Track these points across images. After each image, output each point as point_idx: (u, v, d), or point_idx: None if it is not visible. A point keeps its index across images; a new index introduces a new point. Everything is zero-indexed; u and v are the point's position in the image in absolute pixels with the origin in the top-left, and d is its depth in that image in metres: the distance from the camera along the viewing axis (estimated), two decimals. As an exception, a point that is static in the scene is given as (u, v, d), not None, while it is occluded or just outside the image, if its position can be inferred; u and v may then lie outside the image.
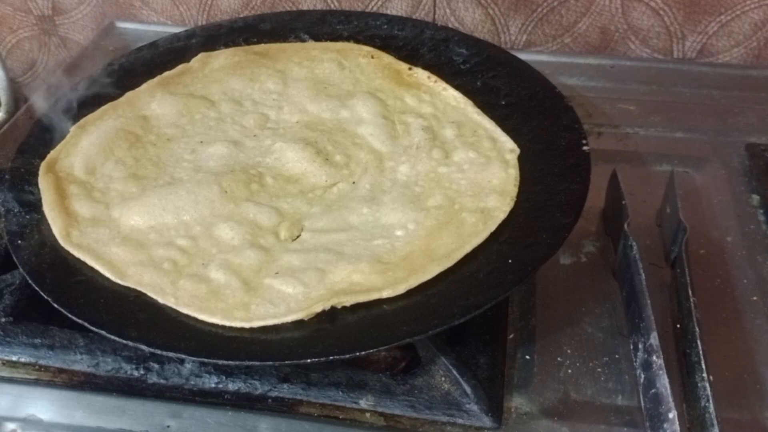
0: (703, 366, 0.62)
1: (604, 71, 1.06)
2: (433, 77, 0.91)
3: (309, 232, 0.73)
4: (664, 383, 0.59)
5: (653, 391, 0.60)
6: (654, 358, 0.61)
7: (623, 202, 0.75)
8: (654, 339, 0.62)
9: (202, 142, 0.83)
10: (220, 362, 0.62)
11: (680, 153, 0.92)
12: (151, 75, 0.93)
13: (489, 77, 0.91)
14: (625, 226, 0.72)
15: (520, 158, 0.79)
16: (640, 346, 0.64)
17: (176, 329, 0.64)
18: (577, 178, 0.73)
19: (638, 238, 0.71)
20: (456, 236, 0.70)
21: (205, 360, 0.62)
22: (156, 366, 0.67)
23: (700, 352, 0.63)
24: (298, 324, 0.64)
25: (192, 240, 0.72)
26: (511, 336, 0.71)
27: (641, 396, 0.63)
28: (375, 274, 0.66)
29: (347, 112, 0.87)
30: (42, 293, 0.66)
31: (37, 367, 0.69)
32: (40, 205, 0.76)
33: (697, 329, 0.65)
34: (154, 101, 0.88)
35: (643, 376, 0.63)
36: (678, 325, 0.69)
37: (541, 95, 0.86)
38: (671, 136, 0.95)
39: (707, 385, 0.61)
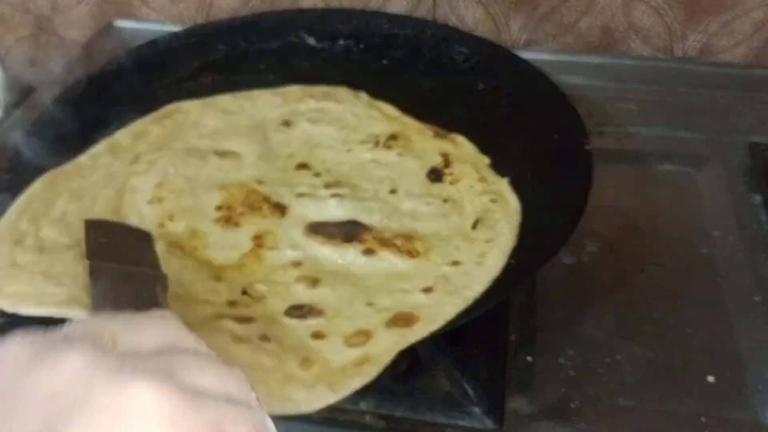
0: None
1: (606, 70, 1.05)
2: None
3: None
4: None
5: None
6: None
7: None
8: None
9: None
10: (221, 363, 0.61)
11: (681, 152, 0.91)
12: (150, 75, 0.93)
13: (490, 76, 0.91)
14: None
15: (520, 158, 0.78)
16: None
17: (176, 330, 0.63)
18: (579, 178, 0.72)
19: (637, 239, 0.70)
20: None
21: (206, 361, 0.62)
22: (156, 367, 0.67)
23: None
24: (299, 325, 0.64)
25: None
26: (511, 337, 0.70)
27: None
28: None
29: None
30: (41, 294, 0.66)
31: (36, 368, 0.69)
32: (40, 206, 0.75)
33: None
34: None
35: None
36: None
37: (542, 94, 0.85)
38: (672, 135, 0.95)
39: None
